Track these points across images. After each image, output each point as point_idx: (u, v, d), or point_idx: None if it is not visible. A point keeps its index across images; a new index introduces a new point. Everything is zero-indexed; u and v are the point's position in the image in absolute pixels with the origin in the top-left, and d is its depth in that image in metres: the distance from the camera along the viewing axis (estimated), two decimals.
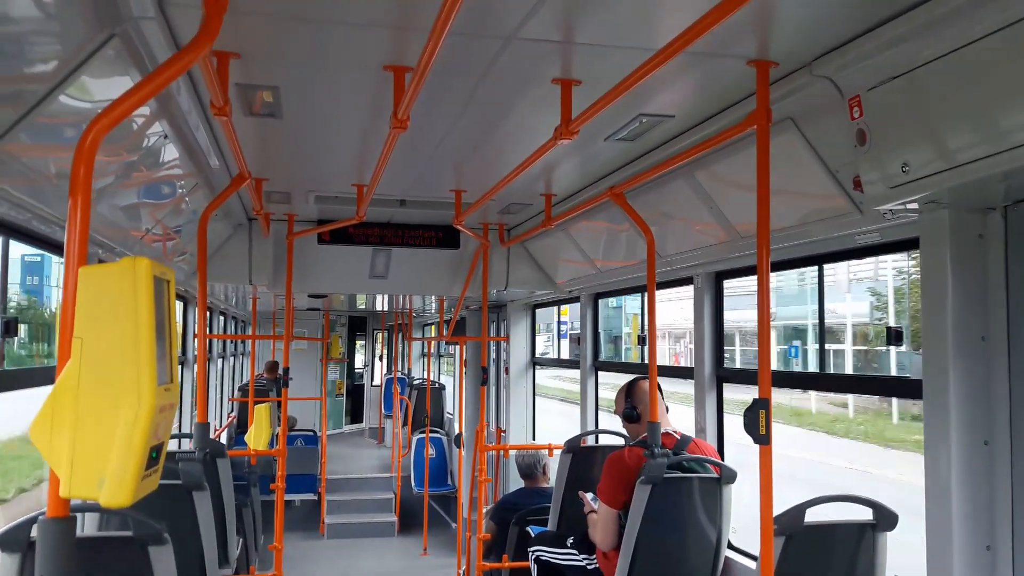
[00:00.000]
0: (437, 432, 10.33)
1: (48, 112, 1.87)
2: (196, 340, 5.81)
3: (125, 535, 2.36)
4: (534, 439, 7.60)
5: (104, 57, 1.87)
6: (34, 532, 2.22)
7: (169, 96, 2.48)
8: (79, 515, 3.14)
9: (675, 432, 3.58)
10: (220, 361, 9.23)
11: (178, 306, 6.62)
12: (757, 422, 2.20)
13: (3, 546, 2.18)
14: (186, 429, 6.21)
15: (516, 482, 6.29)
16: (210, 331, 8.28)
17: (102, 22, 1.80)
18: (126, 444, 1.21)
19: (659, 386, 3.65)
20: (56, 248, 2.85)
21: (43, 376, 2.67)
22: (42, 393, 1.22)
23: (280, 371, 5.71)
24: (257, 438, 5.42)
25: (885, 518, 2.70)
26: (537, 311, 7.65)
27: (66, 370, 1.21)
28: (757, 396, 2.20)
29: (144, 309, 1.23)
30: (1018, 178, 2.00)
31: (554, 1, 1.94)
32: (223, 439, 9.28)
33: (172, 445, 4.91)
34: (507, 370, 7.89)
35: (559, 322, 10.19)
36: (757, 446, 2.20)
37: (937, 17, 1.85)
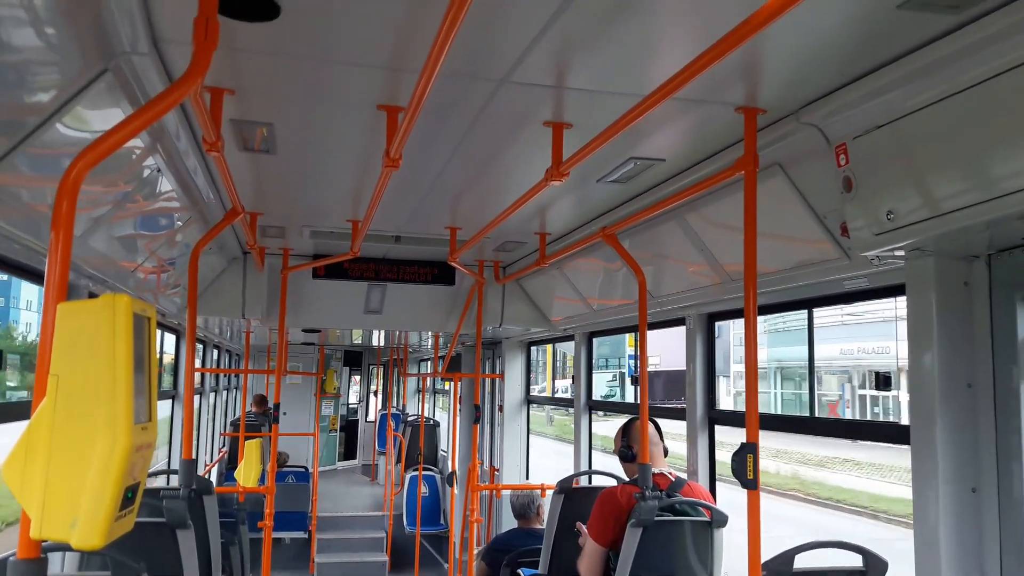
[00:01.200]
0: (431, 470, 10.22)
1: (40, 143, 1.88)
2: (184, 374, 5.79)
3: (103, 575, 2.32)
4: (528, 478, 7.52)
5: (97, 91, 1.90)
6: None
7: (163, 130, 2.51)
8: (60, 554, 3.10)
9: (670, 473, 3.55)
10: (212, 395, 9.17)
11: (171, 339, 6.60)
12: (745, 466, 2.18)
13: None
14: (175, 465, 6.15)
15: (509, 522, 6.22)
16: (203, 364, 8.24)
17: (96, 56, 1.83)
18: (100, 484, 1.19)
19: (658, 427, 3.63)
20: (41, 280, 2.84)
21: (16, 412, 2.64)
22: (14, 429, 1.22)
23: (270, 406, 5.67)
24: (246, 474, 5.35)
25: (875, 566, 2.66)
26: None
27: (40, 408, 1.20)
28: (744, 440, 2.19)
29: (122, 346, 1.22)
30: (1002, 227, 2.01)
31: (546, 46, 1.97)
32: (213, 475, 9.17)
33: (160, 481, 4.88)
34: (501, 408, 7.84)
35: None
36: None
37: (922, 68, 1.89)
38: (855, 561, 2.69)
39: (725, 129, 2.52)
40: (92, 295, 3.18)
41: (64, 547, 1.12)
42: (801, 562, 2.61)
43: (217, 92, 2.28)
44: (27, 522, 1.20)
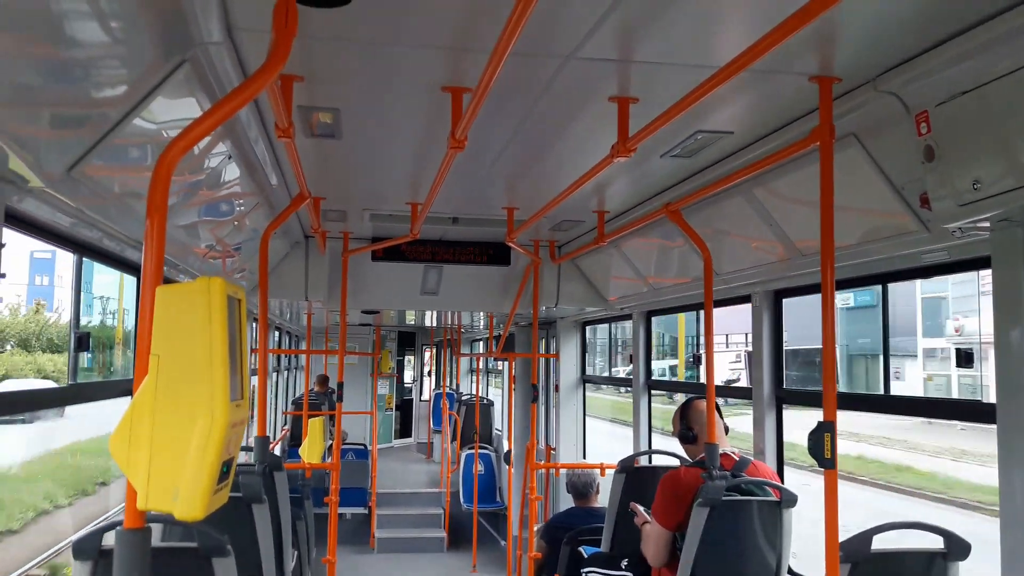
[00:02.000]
0: (486, 448, 10.33)
1: (124, 135, 1.94)
2: (256, 355, 5.93)
3: (190, 546, 2.41)
4: (584, 458, 7.53)
5: (175, 82, 1.94)
6: (106, 541, 2.28)
7: (235, 119, 2.55)
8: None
9: (733, 453, 3.50)
10: (275, 375, 9.42)
11: None
12: (822, 445, 2.15)
13: (76, 553, 2.25)
14: (250, 442, 6.32)
15: (565, 501, 6.24)
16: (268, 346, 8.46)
17: (173, 48, 1.87)
18: (200, 458, 1.23)
19: (717, 406, 3.58)
20: (123, 266, 2.95)
21: (115, 388, 2.75)
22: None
23: (332, 385, 5.79)
24: (311, 451, 5.49)
25: (957, 547, 2.59)
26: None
27: (143, 386, 1.25)
28: (822, 419, 2.15)
29: (218, 328, 1.26)
30: None
31: (613, 21, 1.94)
32: (276, 452, 9.44)
33: None
34: (556, 388, 7.86)
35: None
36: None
37: (1007, 31, 1.80)
38: (936, 543, 2.63)
39: (797, 99, 2.45)
40: (166, 280, 3.28)
41: (164, 518, 1.17)
42: (880, 544, 2.56)
43: (288, 79, 2.32)
44: (133, 494, 1.26)
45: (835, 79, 2.24)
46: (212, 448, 1.24)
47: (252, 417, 6.55)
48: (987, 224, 2.21)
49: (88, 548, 2.24)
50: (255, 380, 6.11)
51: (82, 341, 2.61)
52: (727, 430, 3.63)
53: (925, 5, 1.83)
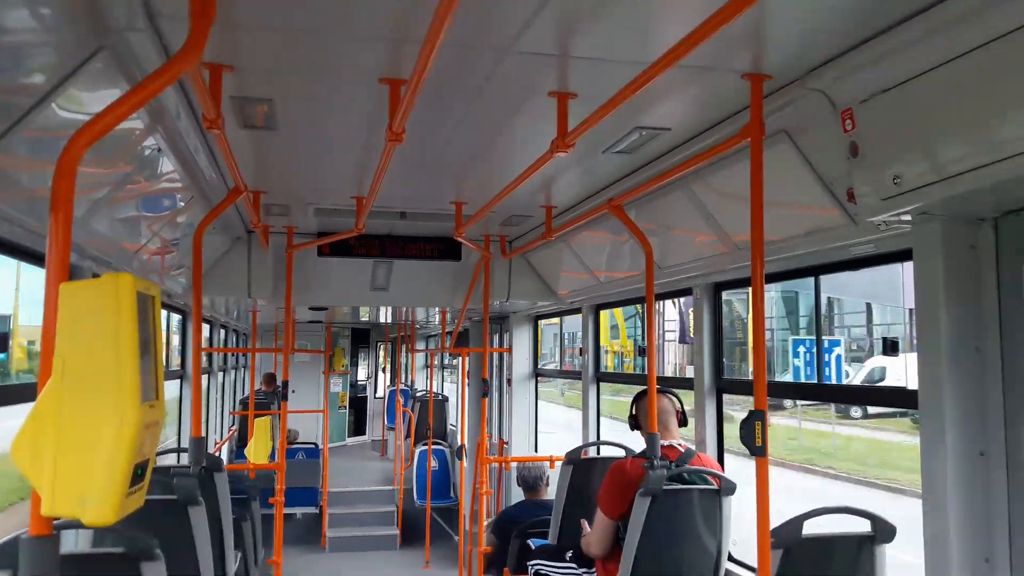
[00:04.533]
0: (440, 444, 10.30)
1: (35, 125, 1.87)
2: (191, 354, 5.81)
3: (117, 551, 2.34)
4: (536, 451, 7.57)
5: (92, 69, 1.88)
6: None
7: (163, 109, 2.49)
8: (74, 531, 3.14)
9: (680, 445, 3.56)
10: (221, 375, 9.24)
11: (177, 320, 6.62)
12: (753, 433, 2.19)
13: None
14: (184, 443, 6.20)
15: (518, 494, 6.27)
16: (210, 344, 8.28)
17: (90, 34, 1.80)
18: (109, 462, 1.20)
19: (672, 397, 3.64)
20: (40, 262, 2.84)
21: (25, 393, 2.66)
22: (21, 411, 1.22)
23: (278, 383, 5.71)
24: (257, 451, 5.41)
25: (883, 530, 2.67)
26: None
27: (47, 388, 1.21)
28: (752, 408, 2.19)
29: (126, 325, 1.22)
30: (1009, 189, 1.99)
31: (549, 14, 1.94)
32: (224, 453, 9.26)
33: (170, 459, 4.93)
34: (509, 381, 7.87)
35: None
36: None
37: (929, 29, 1.86)
38: (863, 527, 2.71)
39: (731, 96, 2.49)
40: (96, 277, 3.18)
41: (76, 524, 1.13)
42: (809, 529, 2.63)
43: (216, 68, 2.26)
44: (38, 500, 1.22)
45: (766, 76, 2.28)
46: (123, 451, 1.21)
47: (182, 415, 6.41)
48: (909, 217, 2.28)
49: (5, 556, 2.15)
50: (192, 380, 5.97)
51: (1, 342, 2.52)
52: (684, 422, 3.68)
53: (852, 4, 1.87)
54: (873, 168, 2.17)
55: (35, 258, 2.72)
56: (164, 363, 1.39)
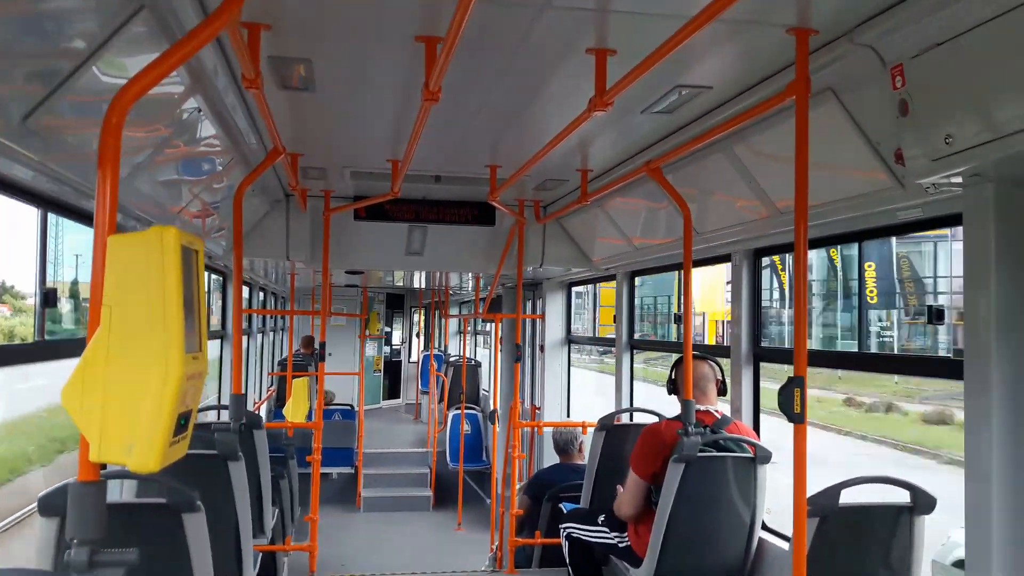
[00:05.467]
0: (472, 409, 10.41)
1: (79, 85, 1.89)
2: (231, 314, 5.91)
3: (159, 502, 2.41)
4: (568, 416, 7.60)
5: (133, 30, 1.89)
6: None
7: (202, 70, 2.50)
8: (118, 483, 3.24)
9: (716, 412, 3.54)
10: (260, 336, 9.41)
11: (218, 281, 6.74)
12: (792, 400, 2.16)
13: (42, 510, 2.24)
14: (225, 401, 6.35)
15: (550, 458, 6.31)
16: (249, 306, 8.43)
17: None
18: (154, 410, 1.23)
19: (713, 364, 3.61)
20: (88, 219, 2.91)
21: (74, 348, 2.73)
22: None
23: (316, 346, 5.79)
24: (295, 411, 5.52)
25: (922, 501, 2.64)
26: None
27: (95, 337, 1.23)
28: (792, 374, 2.16)
29: (172, 277, 1.24)
30: None
31: None
32: (262, 412, 9.47)
33: (211, 416, 5.06)
34: (542, 348, 7.89)
35: None
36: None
37: None
38: (903, 497, 2.67)
39: (775, 53, 2.41)
40: None
41: (122, 472, 1.16)
42: (848, 497, 2.60)
43: (254, 28, 2.26)
44: (86, 446, 1.25)
45: (812, 31, 2.20)
46: (167, 400, 1.23)
47: (223, 374, 6.55)
48: (959, 180, 2.20)
49: (53, 505, 2.21)
50: (233, 339, 6.11)
51: (48, 297, 2.58)
52: (724, 390, 3.65)
53: None
54: (924, 127, 2.10)
55: (80, 215, 2.78)
56: (207, 314, 1.41)
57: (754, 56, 2.49)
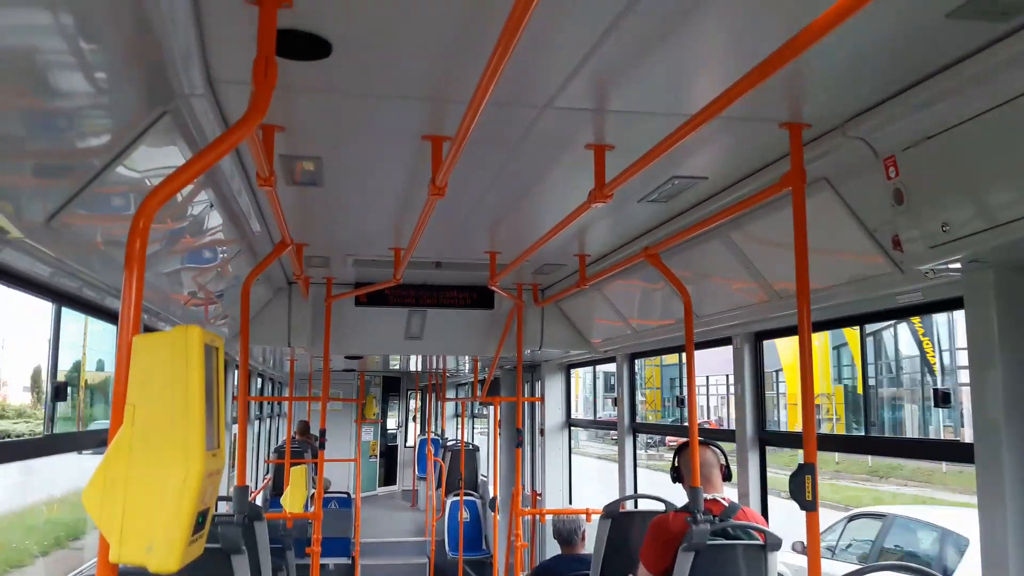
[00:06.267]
0: (471, 495, 10.18)
1: (104, 185, 1.95)
2: (236, 403, 5.86)
3: None
4: (570, 503, 7.45)
5: (157, 132, 1.97)
6: None
7: (217, 168, 2.58)
8: None
9: (723, 499, 3.49)
10: (256, 423, 9.30)
11: None
12: (803, 487, 2.14)
13: None
14: (224, 492, 6.22)
15: (552, 547, 6.15)
16: (249, 393, 8.36)
17: (154, 99, 1.90)
18: (175, 509, 1.22)
19: (716, 450, 3.57)
20: (103, 314, 2.93)
21: (91, 440, 2.71)
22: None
23: (316, 432, 5.71)
24: (293, 500, 5.40)
25: None
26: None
27: (119, 435, 1.24)
28: (802, 461, 2.16)
29: (195, 376, 1.26)
30: None
31: (587, 71, 1.99)
32: (258, 501, 9.25)
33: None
34: (542, 431, 7.80)
35: None
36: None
37: (972, 77, 1.86)
38: None
39: (769, 145, 2.51)
40: (147, 328, 3.26)
41: (140, 572, 1.14)
42: None
43: (269, 129, 2.35)
44: (106, 547, 1.24)
45: (805, 125, 2.30)
46: (188, 498, 1.23)
47: (231, 466, 6.44)
48: (958, 265, 2.25)
49: None
50: (235, 428, 6.04)
51: (59, 391, 2.58)
52: (729, 476, 3.60)
53: (891, 52, 1.89)
54: (919, 215, 2.16)
55: (93, 310, 2.80)
56: (225, 412, 1.42)
57: (748, 148, 2.58)
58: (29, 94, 1.53)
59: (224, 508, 4.37)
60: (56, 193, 1.86)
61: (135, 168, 2.04)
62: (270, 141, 2.36)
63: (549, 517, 6.24)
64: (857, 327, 3.55)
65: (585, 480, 7.80)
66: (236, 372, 5.76)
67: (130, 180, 2.06)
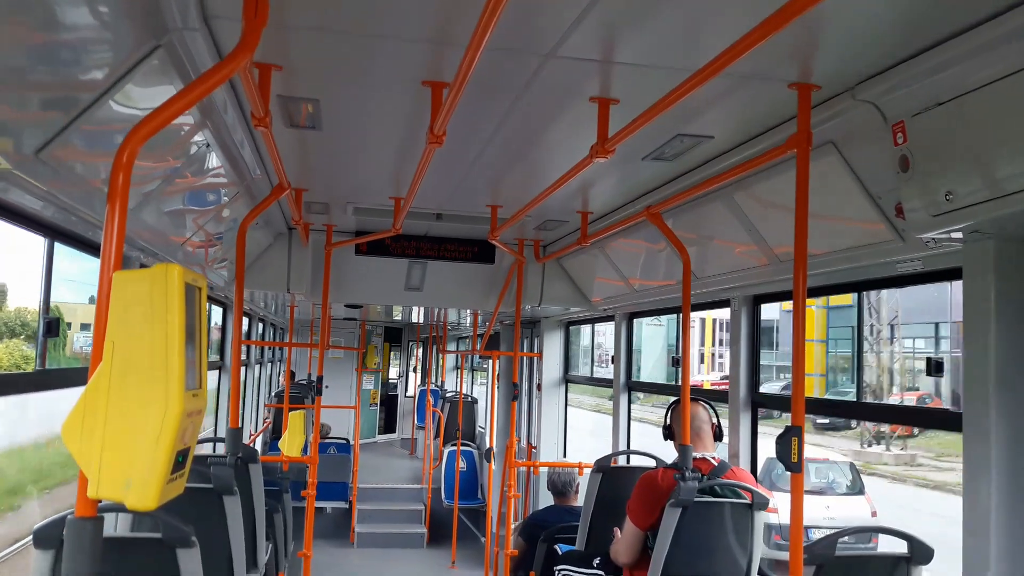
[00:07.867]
0: (468, 445, 10.32)
1: (95, 119, 1.92)
2: (231, 345, 5.91)
3: (154, 536, 2.39)
4: (565, 456, 7.55)
5: (150, 67, 1.93)
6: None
7: (213, 107, 2.54)
8: (113, 515, 3.22)
9: (714, 459, 3.52)
10: (257, 367, 9.38)
11: (218, 312, 6.74)
12: (789, 449, 2.16)
13: (37, 543, 2.22)
14: (221, 434, 6.31)
15: (545, 498, 6.25)
16: (249, 337, 8.42)
17: (148, 33, 1.86)
18: (153, 448, 1.23)
19: (708, 408, 3.60)
20: (94, 250, 2.93)
21: (78, 377, 2.73)
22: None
23: (301, 379, 5.76)
24: (290, 444, 5.47)
25: (920, 552, 2.61)
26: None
27: (98, 372, 1.24)
28: (790, 423, 2.16)
29: (175, 315, 1.25)
30: None
31: (593, 20, 1.94)
32: (258, 444, 9.39)
33: (207, 449, 5.02)
34: (539, 387, 7.87)
35: None
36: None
37: (987, 42, 1.81)
38: (900, 547, 2.65)
39: (777, 106, 2.46)
40: (143, 267, 3.25)
41: (118, 507, 1.15)
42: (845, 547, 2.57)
43: (265, 68, 2.30)
44: (84, 482, 1.25)
45: (814, 87, 2.25)
46: (166, 437, 1.23)
47: (221, 408, 6.52)
48: (959, 235, 2.22)
49: (48, 537, 2.19)
50: (232, 371, 6.11)
51: (51, 327, 2.59)
52: (720, 435, 3.63)
53: (904, 15, 1.84)
54: (924, 183, 2.13)
55: (86, 245, 2.80)
56: (207, 352, 1.42)
57: (756, 108, 2.53)
58: (18, 24, 1.50)
59: (221, 449, 4.43)
60: (46, 125, 1.83)
61: (127, 103, 2.00)
62: (267, 80, 2.32)
63: (543, 469, 6.33)
64: (854, 294, 3.52)
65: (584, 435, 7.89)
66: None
67: (121, 115, 2.03)
